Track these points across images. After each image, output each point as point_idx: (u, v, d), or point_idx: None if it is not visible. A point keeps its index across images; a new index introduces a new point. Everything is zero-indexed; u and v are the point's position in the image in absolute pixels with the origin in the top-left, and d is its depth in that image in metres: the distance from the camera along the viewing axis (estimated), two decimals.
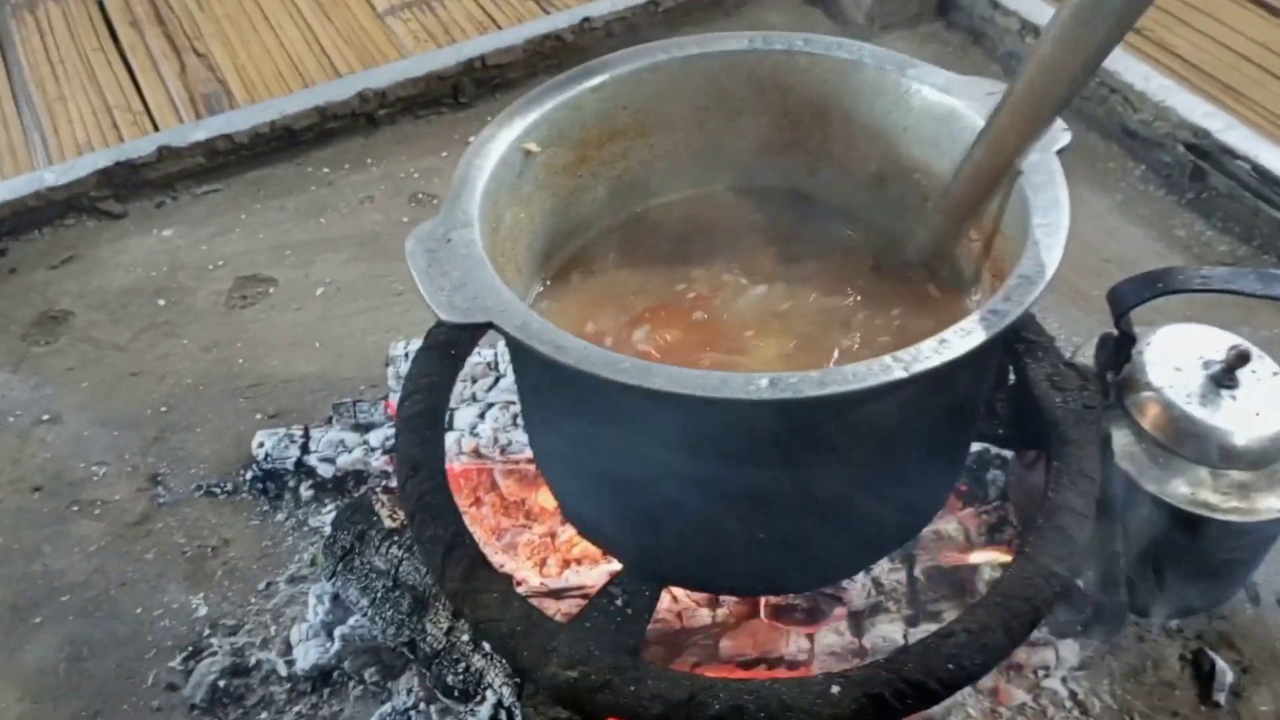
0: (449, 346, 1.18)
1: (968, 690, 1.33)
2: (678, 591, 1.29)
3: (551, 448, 1.03)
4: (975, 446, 1.52)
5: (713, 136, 1.15)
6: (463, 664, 1.30)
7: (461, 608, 0.98)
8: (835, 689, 0.89)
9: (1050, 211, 0.89)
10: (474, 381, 1.55)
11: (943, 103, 1.02)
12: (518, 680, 1.20)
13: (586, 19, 2.38)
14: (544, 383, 0.94)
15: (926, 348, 0.79)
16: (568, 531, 1.42)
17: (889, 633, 1.31)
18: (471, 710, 1.29)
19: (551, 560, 1.43)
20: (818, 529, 0.93)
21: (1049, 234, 0.87)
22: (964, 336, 0.80)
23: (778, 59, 1.10)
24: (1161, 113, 2.05)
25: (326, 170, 2.22)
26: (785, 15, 2.51)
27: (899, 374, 0.77)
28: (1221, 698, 1.35)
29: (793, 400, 0.75)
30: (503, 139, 1.01)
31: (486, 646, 1.27)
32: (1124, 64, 2.13)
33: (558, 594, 1.31)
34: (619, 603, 1.00)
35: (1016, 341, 1.17)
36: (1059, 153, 0.94)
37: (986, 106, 0.99)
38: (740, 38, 1.11)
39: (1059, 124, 0.96)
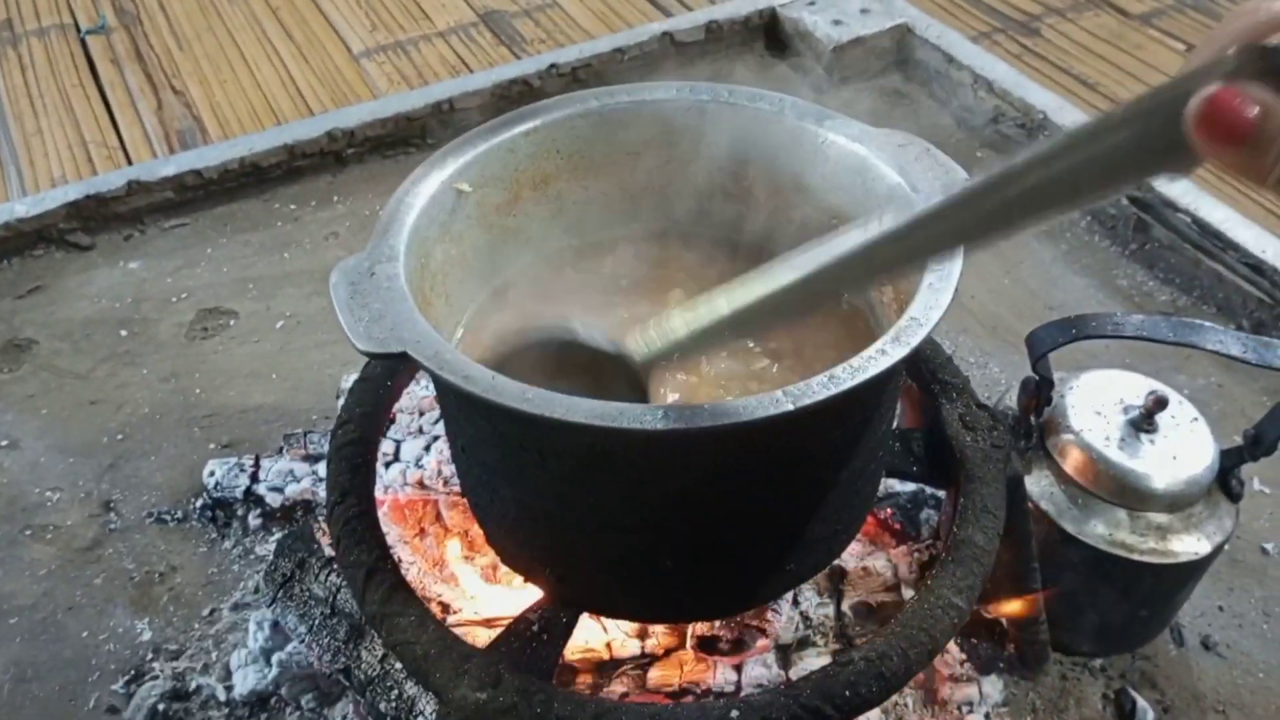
0: (385, 378, 1.22)
1: None
2: (607, 622, 1.32)
3: (471, 476, 1.06)
4: (909, 486, 1.56)
5: (643, 181, 1.19)
6: (395, 691, 1.32)
7: (379, 630, 1.01)
8: (734, 713, 0.92)
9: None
10: (421, 415, 1.58)
11: (856, 153, 1.07)
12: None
13: (554, 65, 2.45)
14: (460, 413, 0.97)
15: (816, 383, 0.82)
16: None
17: (816, 666, 1.34)
18: None
19: (492, 591, 1.45)
20: (723, 557, 0.96)
21: (941, 279, 0.91)
22: (853, 374, 0.83)
23: (704, 108, 1.14)
24: None
25: (293, 207, 2.27)
26: (749, 68, 2.58)
27: (787, 407, 0.80)
28: None
29: (684, 431, 0.79)
30: (434, 178, 1.05)
31: None
32: (1071, 117, 2.20)
33: (490, 622, 1.34)
34: (535, 628, 1.03)
35: (933, 382, 1.21)
36: None
37: (898, 158, 1.04)
38: (668, 87, 1.15)
39: (958, 170, 1.01)
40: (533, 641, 1.02)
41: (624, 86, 1.17)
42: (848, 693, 0.94)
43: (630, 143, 1.16)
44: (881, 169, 1.04)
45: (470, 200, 1.09)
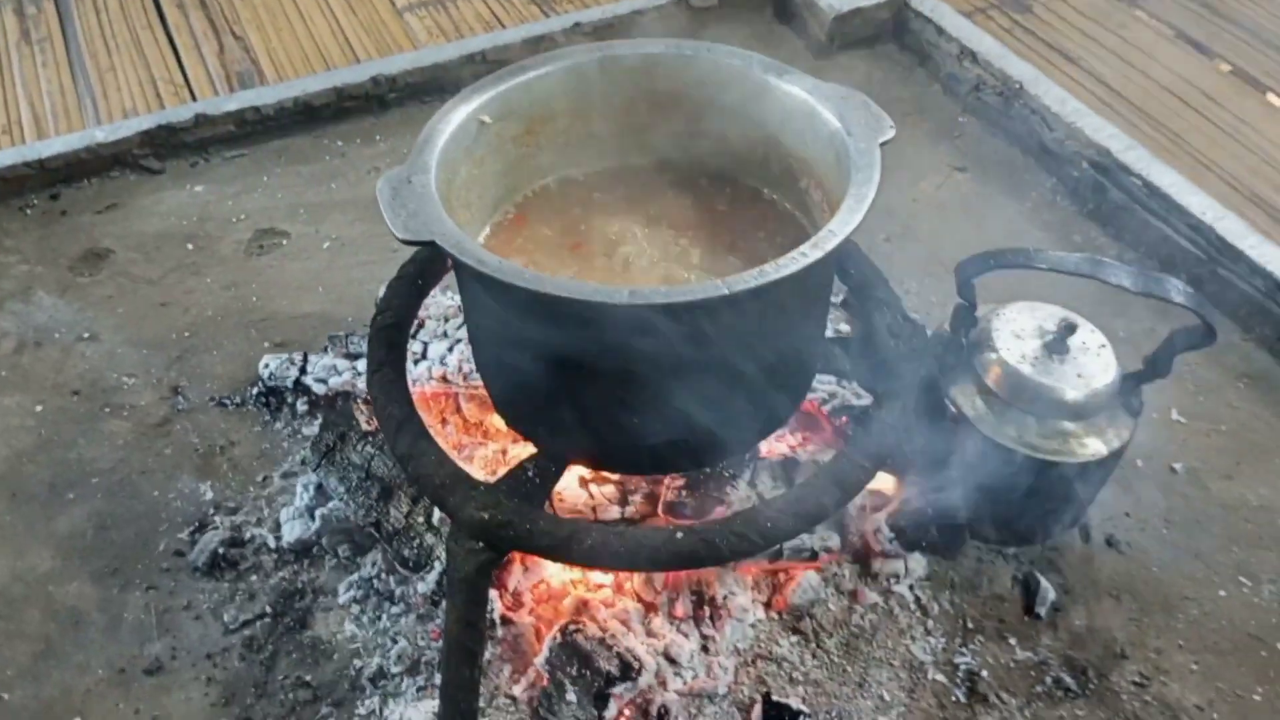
0: (416, 277, 1.48)
1: (830, 589, 1.61)
2: (594, 489, 1.58)
3: (483, 351, 1.32)
4: (865, 400, 1.80)
5: (636, 122, 1.43)
6: (417, 540, 1.59)
7: (406, 466, 1.27)
8: (679, 534, 1.18)
9: (864, 186, 1.16)
10: (446, 320, 1.84)
11: (807, 103, 1.30)
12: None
13: (578, 23, 2.68)
14: (475, 293, 1.23)
15: (749, 275, 1.07)
16: (517, 448, 1.71)
17: None
18: (421, 577, 1.58)
19: (501, 471, 1.71)
20: (685, 416, 1.20)
21: (858, 201, 1.15)
22: (778, 268, 1.08)
23: (687, 62, 1.38)
24: (1073, 132, 2.33)
25: (340, 143, 2.53)
26: (755, 31, 2.80)
27: (723, 291, 1.05)
28: (1043, 611, 1.62)
29: (643, 305, 1.04)
30: (461, 110, 1.30)
31: (435, 522, 1.57)
32: (1044, 87, 2.41)
33: None
34: (529, 474, 1.29)
35: (869, 300, 1.45)
36: (883, 145, 1.22)
37: (840, 107, 1.27)
38: (659, 44, 1.39)
39: (886, 120, 1.24)
40: (527, 484, 1.28)
41: (623, 42, 1.41)
42: (769, 524, 1.19)
43: (626, 89, 1.41)
44: (826, 116, 1.28)
45: (491, 130, 1.33)
